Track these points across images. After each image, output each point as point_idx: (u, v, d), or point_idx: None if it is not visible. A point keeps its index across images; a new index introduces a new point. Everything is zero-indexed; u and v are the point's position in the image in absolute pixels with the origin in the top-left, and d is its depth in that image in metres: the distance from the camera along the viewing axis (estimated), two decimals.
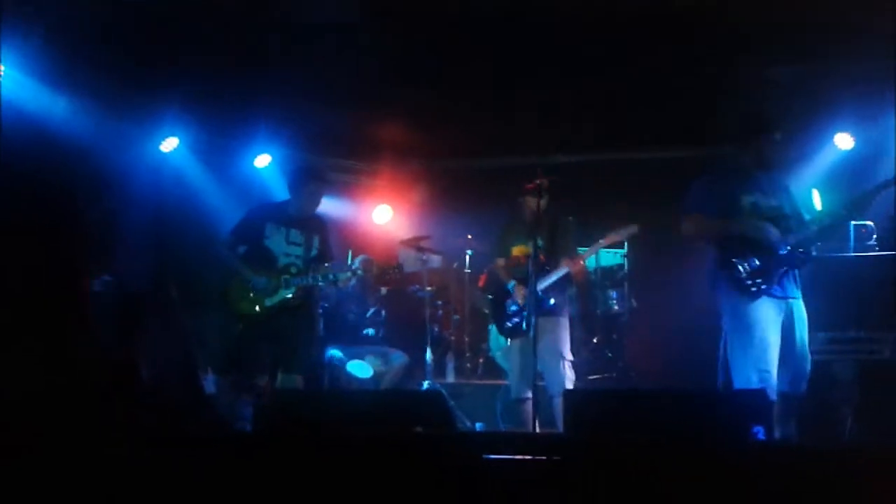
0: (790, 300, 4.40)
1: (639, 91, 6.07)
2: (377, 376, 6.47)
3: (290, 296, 5.15)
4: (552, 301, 5.32)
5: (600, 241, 5.45)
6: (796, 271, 4.42)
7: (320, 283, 5.29)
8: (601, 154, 7.30)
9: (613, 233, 5.40)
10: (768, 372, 4.28)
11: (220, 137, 6.91)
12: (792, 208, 4.50)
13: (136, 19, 4.88)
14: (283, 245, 5.23)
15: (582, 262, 5.52)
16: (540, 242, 5.36)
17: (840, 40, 5.16)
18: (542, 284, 5.27)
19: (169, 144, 6.62)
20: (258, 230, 5.24)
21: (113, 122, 6.00)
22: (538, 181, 5.18)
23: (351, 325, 6.70)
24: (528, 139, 6.94)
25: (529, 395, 4.97)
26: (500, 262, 5.64)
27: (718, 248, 4.45)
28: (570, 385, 5.23)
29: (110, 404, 4.38)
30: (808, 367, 4.43)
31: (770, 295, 4.33)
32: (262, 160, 7.26)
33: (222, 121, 6.60)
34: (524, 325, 5.17)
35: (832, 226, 4.45)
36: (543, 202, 5.27)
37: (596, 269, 7.08)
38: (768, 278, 4.31)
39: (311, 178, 5.37)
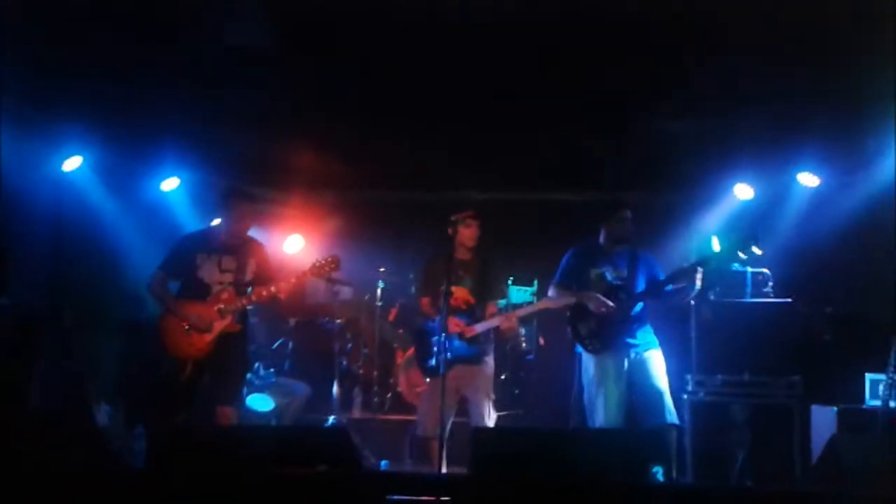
0: (634, 349, 5.03)
1: (548, 140, 6.23)
2: (279, 409, 6.33)
3: (226, 324, 4.93)
4: (479, 348, 5.29)
5: (537, 304, 5.48)
6: (646, 327, 5.10)
7: (252, 305, 5.09)
8: (515, 194, 7.42)
9: (547, 300, 5.29)
10: (615, 416, 4.93)
11: (126, 158, 6.67)
12: (635, 278, 5.12)
13: (40, 32, 4.69)
14: (217, 273, 4.99)
15: (515, 320, 5.41)
16: (468, 283, 5.35)
17: (739, 95, 5.41)
18: (472, 332, 5.22)
19: (72, 164, 6.36)
20: (189, 262, 4.99)
21: (12, 138, 5.73)
22: (467, 212, 5.25)
23: (253, 358, 6.52)
24: (441, 175, 6.98)
25: (439, 433, 4.94)
26: (425, 301, 5.46)
27: (569, 314, 5.20)
28: (491, 423, 5.23)
29: None
30: (666, 401, 4.93)
31: (610, 351, 5.02)
32: (170, 183, 7.07)
33: (129, 141, 6.38)
34: (441, 367, 4.96)
35: (661, 291, 5.08)
36: (475, 237, 5.32)
37: (507, 306, 7.13)
38: (603, 339, 5.04)
39: (242, 198, 5.18)
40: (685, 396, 5.49)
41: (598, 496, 3.02)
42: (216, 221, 5.59)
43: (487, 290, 5.40)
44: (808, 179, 6.54)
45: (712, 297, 5.69)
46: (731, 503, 3.04)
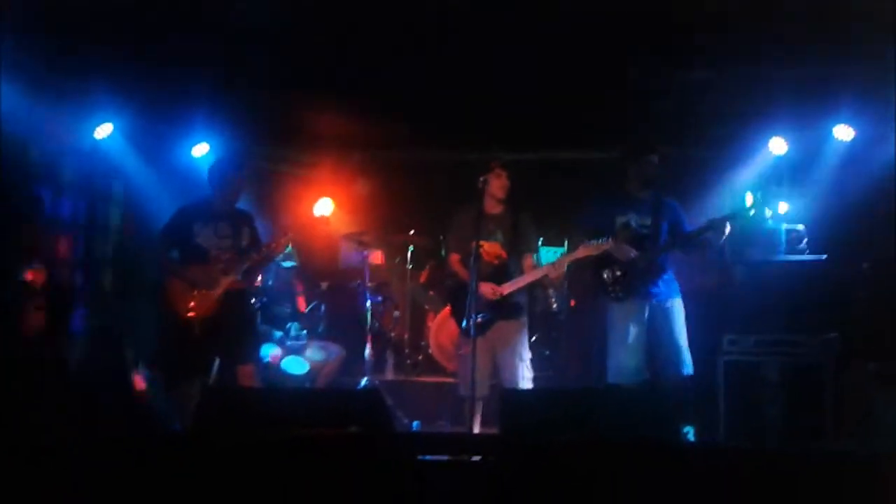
0: (656, 301, 5.09)
1: (578, 95, 6.13)
2: (314, 371, 6.41)
3: (231, 280, 5.12)
4: (518, 302, 5.21)
5: (575, 252, 5.10)
6: (669, 275, 5.15)
7: (253, 263, 5.27)
8: (543, 153, 7.35)
9: (586, 246, 5.04)
10: (634, 361, 5.05)
11: (156, 125, 6.73)
12: (659, 226, 5.14)
13: (69, 4, 4.72)
14: (214, 239, 5.21)
15: (563, 267, 5.27)
16: (499, 237, 5.24)
17: (777, 46, 5.28)
18: (513, 287, 5.12)
19: (103, 131, 6.43)
20: (187, 231, 5.22)
21: (45, 107, 5.80)
22: (496, 162, 5.20)
23: (288, 320, 6.60)
24: (470, 136, 6.93)
25: (485, 394, 5.03)
26: (455, 257, 5.33)
27: (593, 261, 5.17)
28: (528, 385, 5.16)
29: (34, 401, 4.25)
30: (684, 354, 5.03)
31: (632, 298, 5.08)
32: (201, 149, 7.11)
33: (159, 108, 6.42)
34: (472, 330, 4.86)
35: (689, 242, 5.15)
36: (505, 187, 5.20)
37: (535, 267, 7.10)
38: (626, 286, 5.10)
39: (230, 167, 5.40)
40: (718, 356, 5.45)
41: (627, 456, 3.03)
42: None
43: (521, 242, 5.25)
44: (843, 133, 6.39)
45: (746, 256, 5.64)
46: (763, 463, 3.02)
